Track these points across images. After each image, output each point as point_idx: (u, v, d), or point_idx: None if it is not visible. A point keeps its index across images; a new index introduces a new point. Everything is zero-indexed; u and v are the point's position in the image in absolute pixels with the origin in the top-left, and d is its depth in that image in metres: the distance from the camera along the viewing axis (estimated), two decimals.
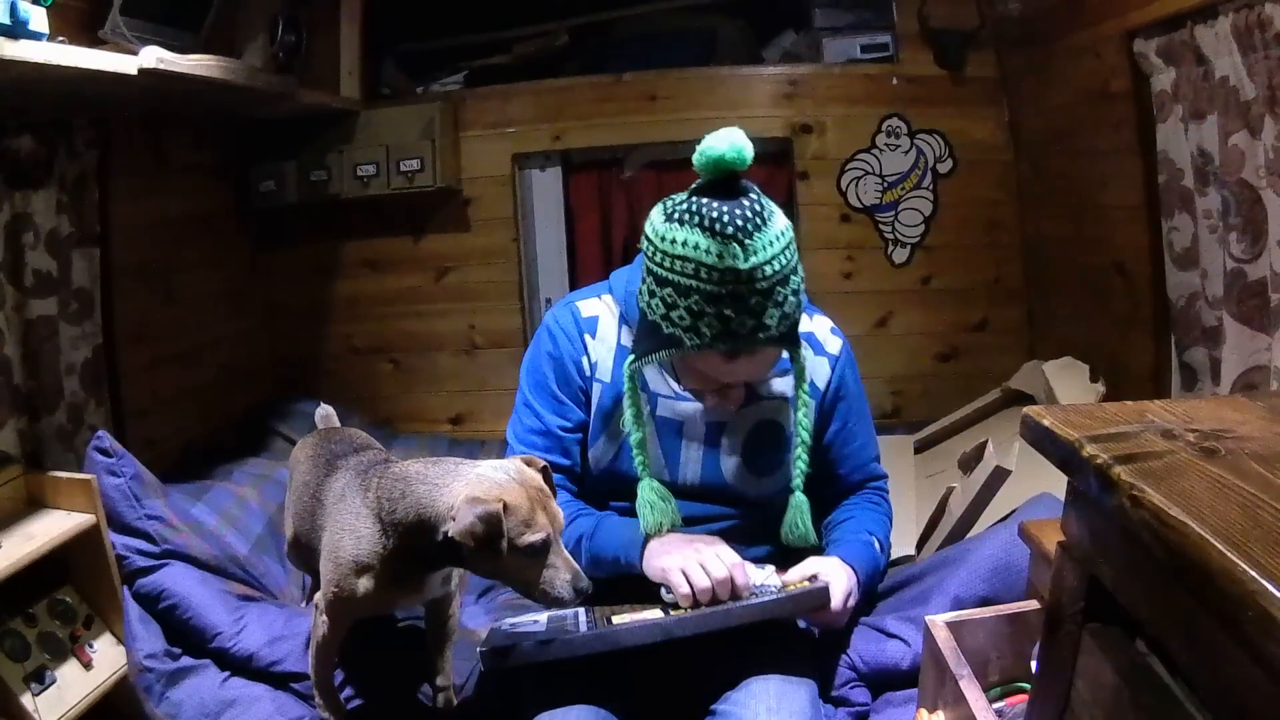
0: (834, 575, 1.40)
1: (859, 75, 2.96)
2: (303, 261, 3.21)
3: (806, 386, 1.45)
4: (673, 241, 1.28)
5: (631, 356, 1.41)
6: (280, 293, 3.24)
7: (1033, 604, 1.36)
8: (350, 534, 1.41)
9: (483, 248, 3.13)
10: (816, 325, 1.56)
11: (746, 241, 1.25)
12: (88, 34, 1.97)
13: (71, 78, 1.66)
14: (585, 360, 1.52)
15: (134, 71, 1.76)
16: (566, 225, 3.24)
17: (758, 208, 1.28)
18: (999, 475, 1.81)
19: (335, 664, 1.59)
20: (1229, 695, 0.60)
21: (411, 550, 1.36)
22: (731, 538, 1.42)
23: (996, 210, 2.97)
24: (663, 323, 1.31)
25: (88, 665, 1.82)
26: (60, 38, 1.60)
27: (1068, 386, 2.26)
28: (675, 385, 1.49)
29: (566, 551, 1.31)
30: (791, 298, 1.30)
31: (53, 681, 1.74)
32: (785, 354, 1.42)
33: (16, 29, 1.48)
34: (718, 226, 1.25)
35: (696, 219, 1.27)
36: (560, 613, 1.43)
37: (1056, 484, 0.93)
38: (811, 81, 2.98)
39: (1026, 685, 1.29)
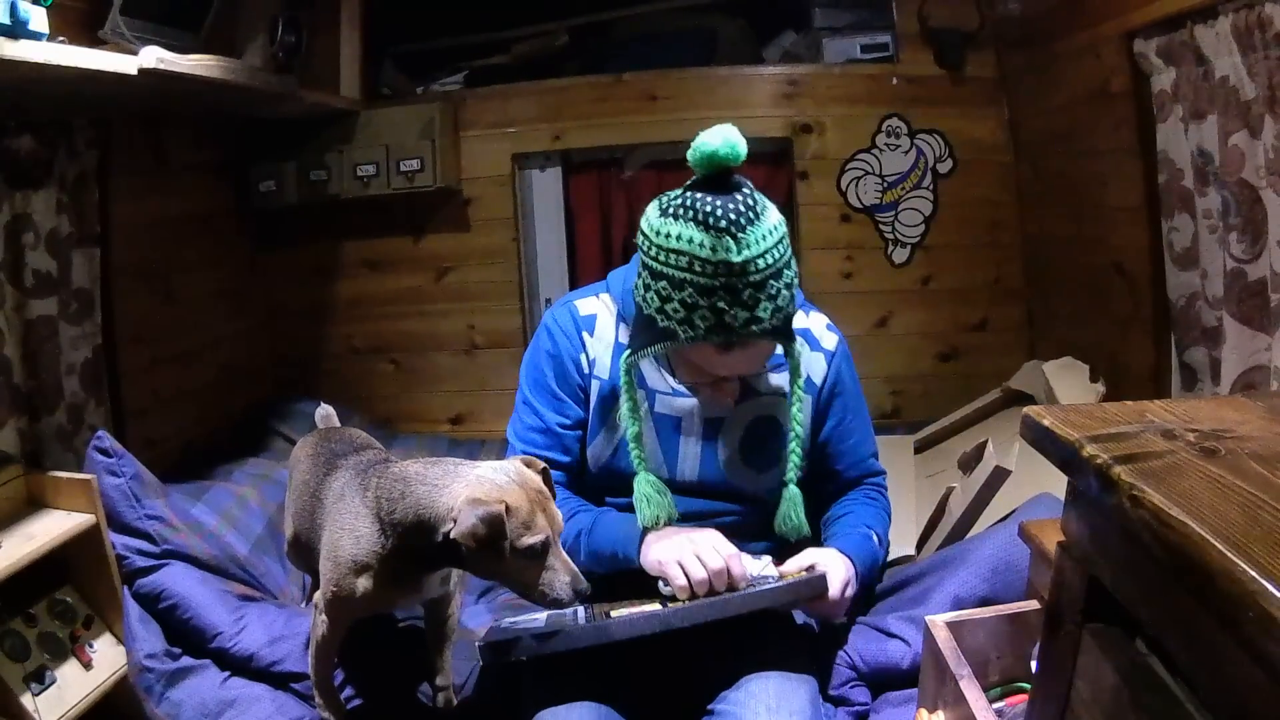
0: (832, 565, 1.41)
1: (859, 75, 2.96)
2: (303, 261, 3.20)
3: (801, 382, 1.47)
4: (667, 235, 1.30)
5: (628, 351, 1.43)
6: (280, 293, 3.24)
7: (1033, 604, 1.36)
8: (349, 533, 1.41)
9: (483, 248, 3.13)
10: (813, 321, 1.57)
11: (739, 235, 1.26)
12: (88, 34, 1.97)
13: (71, 78, 1.66)
14: (584, 358, 1.53)
15: (134, 71, 1.76)
16: (566, 225, 3.24)
17: (750, 202, 1.30)
18: (999, 475, 1.81)
19: (335, 664, 1.59)
20: (1229, 695, 0.60)
21: (410, 550, 1.36)
22: (731, 533, 1.43)
23: (996, 210, 2.97)
24: (658, 316, 1.32)
25: (88, 665, 1.82)
26: (60, 38, 1.60)
27: (1068, 386, 2.26)
28: (672, 381, 1.50)
29: (565, 553, 1.32)
30: (785, 291, 1.32)
31: (53, 681, 1.74)
32: (780, 349, 1.43)
33: (16, 29, 1.48)
34: (711, 220, 1.27)
35: (690, 213, 1.29)
36: (559, 612, 1.43)
37: (1056, 484, 0.93)
38: (811, 81, 2.98)
39: (1026, 685, 1.29)
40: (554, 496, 1.37)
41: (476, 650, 1.36)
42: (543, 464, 1.38)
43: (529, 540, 1.26)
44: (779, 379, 1.51)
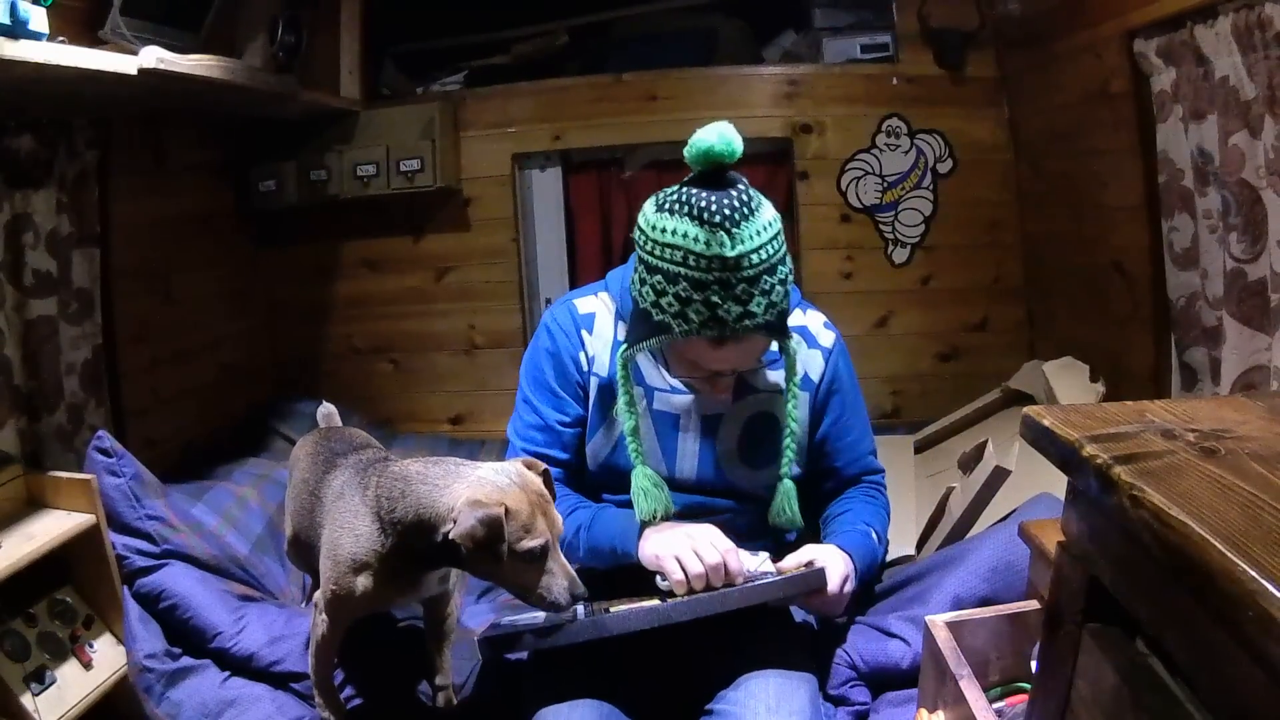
0: (830, 561, 1.41)
1: (859, 75, 2.96)
2: (303, 261, 3.20)
3: (798, 379, 1.48)
4: (662, 230, 1.32)
5: (624, 345, 1.44)
6: (280, 293, 3.24)
7: (1033, 604, 1.36)
8: (349, 532, 1.41)
9: (483, 248, 3.13)
10: (810, 319, 1.58)
11: (734, 230, 1.28)
12: (88, 34, 1.97)
13: (71, 78, 1.66)
14: (583, 355, 1.54)
15: (134, 71, 1.76)
16: (566, 225, 3.23)
17: (745, 198, 1.31)
18: (999, 475, 1.81)
19: (335, 663, 1.59)
20: (1229, 695, 0.60)
21: (410, 549, 1.36)
22: (729, 530, 1.43)
23: (996, 210, 2.97)
24: (653, 310, 1.34)
25: (88, 665, 1.82)
26: (60, 38, 1.60)
27: (1068, 386, 2.26)
28: (670, 378, 1.51)
29: (564, 557, 1.32)
30: (779, 287, 1.33)
31: (53, 681, 1.74)
32: (775, 346, 1.44)
33: (16, 29, 1.48)
34: (706, 215, 1.28)
35: (685, 208, 1.30)
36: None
37: (1056, 484, 0.93)
38: (811, 81, 2.98)
39: (1026, 685, 1.29)
40: (555, 499, 1.37)
41: (476, 646, 1.36)
42: (544, 466, 1.38)
43: (528, 544, 1.26)
44: (776, 376, 1.52)
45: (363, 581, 1.40)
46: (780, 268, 1.33)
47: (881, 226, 3.01)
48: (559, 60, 3.18)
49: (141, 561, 1.78)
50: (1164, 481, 0.64)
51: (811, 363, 1.55)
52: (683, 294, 1.30)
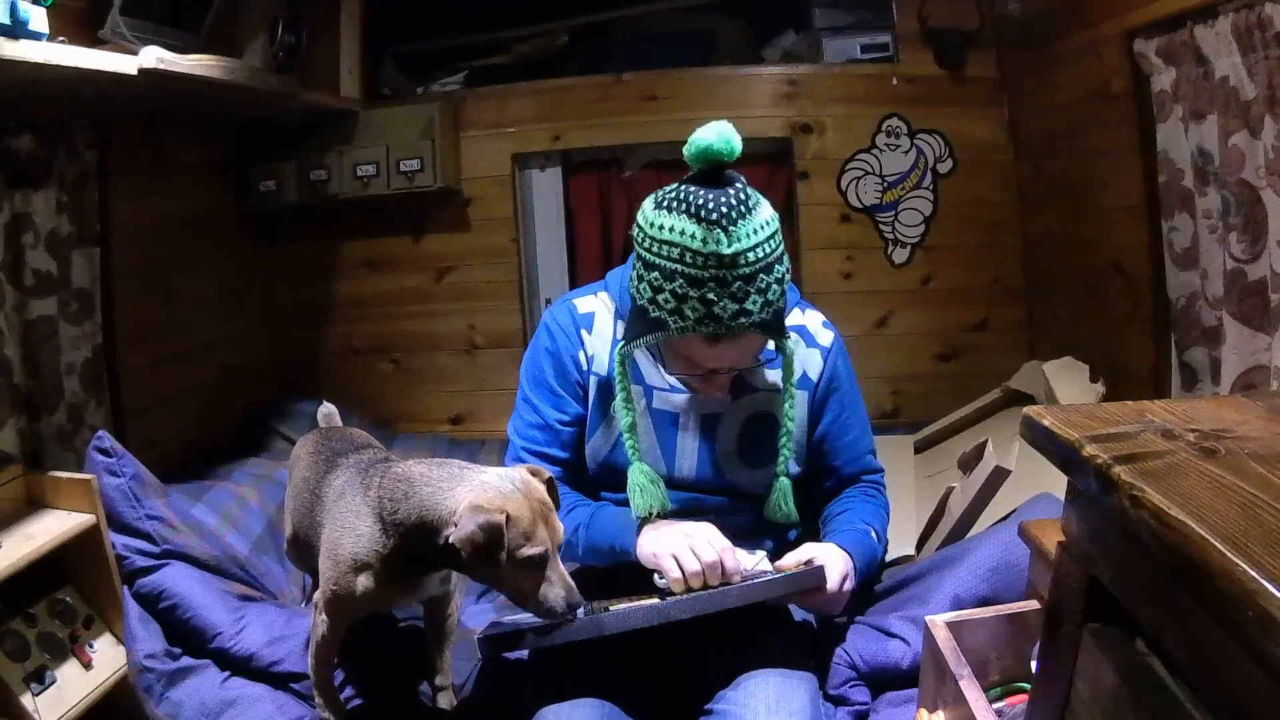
0: (830, 559, 1.41)
1: (859, 75, 2.96)
2: (303, 261, 3.20)
3: (794, 379, 1.48)
4: (660, 227, 1.32)
5: (622, 341, 1.44)
6: (280, 293, 3.24)
7: (1033, 604, 1.36)
8: (350, 532, 1.41)
9: (483, 248, 3.12)
10: (809, 319, 1.59)
11: (730, 228, 1.29)
12: (88, 34, 1.97)
13: (71, 78, 1.66)
14: (582, 354, 1.54)
15: (134, 71, 1.76)
16: (566, 225, 3.23)
17: (743, 196, 1.32)
18: (999, 475, 1.81)
19: (335, 664, 1.59)
20: (1229, 695, 0.60)
21: (411, 550, 1.36)
22: (728, 529, 1.43)
23: (996, 210, 2.97)
24: (649, 306, 1.34)
25: (88, 665, 1.82)
26: (60, 38, 1.60)
27: (1068, 386, 2.26)
28: (670, 377, 1.51)
29: (563, 565, 1.32)
30: (775, 286, 1.33)
31: (53, 681, 1.74)
32: (771, 345, 1.44)
33: (16, 29, 1.48)
34: (703, 213, 1.29)
35: (683, 205, 1.31)
36: None
37: (1056, 484, 0.93)
38: (811, 81, 2.98)
39: (1026, 685, 1.29)
40: (558, 508, 1.37)
41: (476, 645, 1.37)
42: (549, 474, 1.38)
43: (528, 551, 1.26)
44: (775, 375, 1.52)
45: (363, 581, 1.40)
46: (777, 267, 1.34)
47: (881, 226, 3.01)
48: (559, 60, 3.18)
49: (141, 561, 1.78)
50: (1164, 481, 0.64)
51: (810, 362, 1.55)
52: (679, 290, 1.30)
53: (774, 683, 1.36)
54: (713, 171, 1.33)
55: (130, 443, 2.06)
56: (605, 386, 1.52)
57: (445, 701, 1.63)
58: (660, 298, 1.32)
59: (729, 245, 1.28)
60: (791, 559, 1.43)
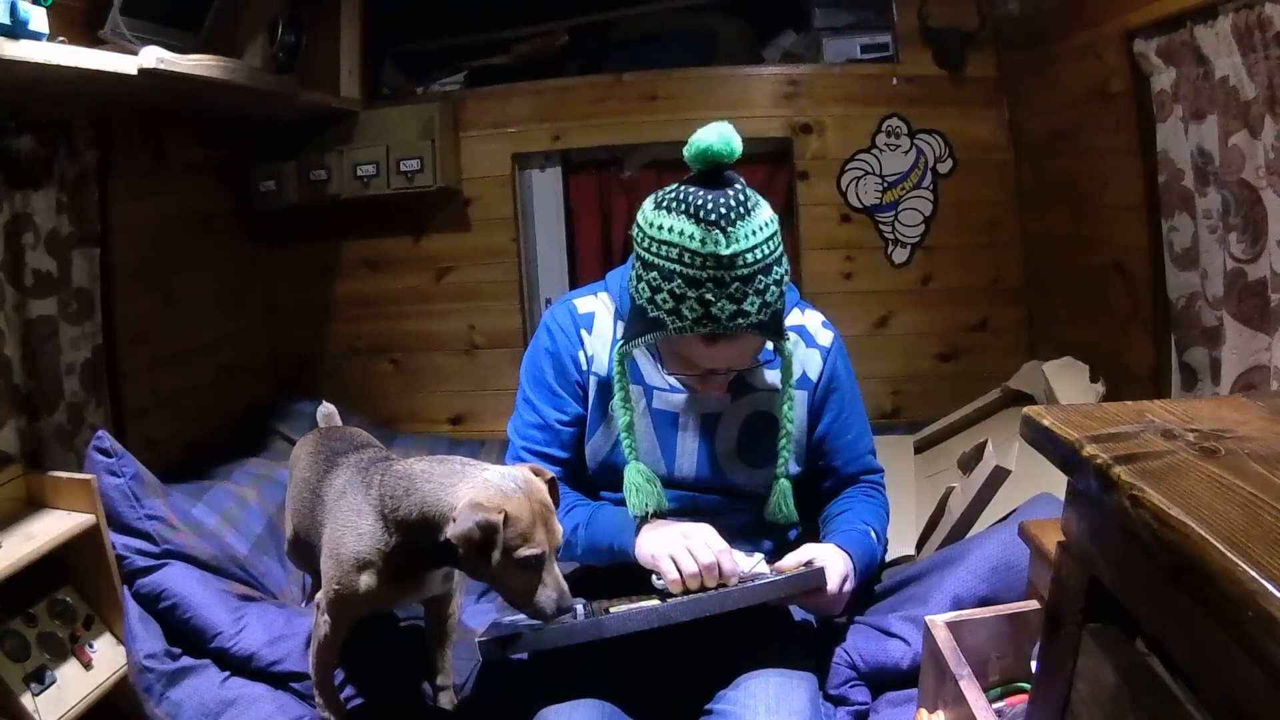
0: (830, 560, 1.41)
1: (859, 75, 2.96)
2: (303, 261, 3.20)
3: (793, 380, 1.49)
4: (659, 227, 1.33)
5: (620, 341, 1.44)
6: (280, 293, 3.24)
7: (1033, 604, 1.36)
8: (351, 530, 1.41)
9: (483, 248, 3.13)
10: (808, 319, 1.59)
11: (729, 229, 1.29)
12: (88, 34, 1.97)
13: (71, 78, 1.66)
14: (582, 354, 1.54)
15: (134, 71, 1.76)
16: (566, 225, 3.23)
17: (742, 197, 1.32)
18: (999, 475, 1.81)
19: (336, 663, 1.59)
20: (1229, 695, 0.60)
21: (413, 548, 1.36)
22: (728, 530, 1.43)
23: (996, 210, 2.97)
24: (648, 306, 1.34)
25: (88, 665, 1.82)
26: (60, 38, 1.60)
27: (1068, 386, 2.26)
28: (670, 377, 1.51)
29: (558, 568, 1.32)
30: (773, 287, 1.34)
31: (53, 681, 1.74)
32: (770, 346, 1.44)
33: (16, 29, 1.48)
34: (702, 213, 1.29)
35: (682, 205, 1.31)
36: None
37: (1056, 484, 0.93)
38: (811, 81, 2.98)
39: (1026, 685, 1.29)
40: (559, 508, 1.37)
41: (476, 647, 1.37)
42: (551, 475, 1.38)
43: (525, 552, 1.26)
44: (775, 375, 1.52)
45: (366, 580, 1.40)
46: (775, 268, 1.34)
47: (881, 226, 3.01)
48: (559, 60, 3.18)
49: (141, 561, 1.78)
50: (1164, 481, 0.64)
51: (809, 362, 1.55)
52: (677, 291, 1.31)
53: (774, 683, 1.36)
54: (712, 172, 1.34)
55: (130, 443, 2.06)
56: (605, 386, 1.52)
57: (446, 701, 1.63)
58: (658, 298, 1.32)
59: (727, 246, 1.28)
60: (791, 560, 1.44)
